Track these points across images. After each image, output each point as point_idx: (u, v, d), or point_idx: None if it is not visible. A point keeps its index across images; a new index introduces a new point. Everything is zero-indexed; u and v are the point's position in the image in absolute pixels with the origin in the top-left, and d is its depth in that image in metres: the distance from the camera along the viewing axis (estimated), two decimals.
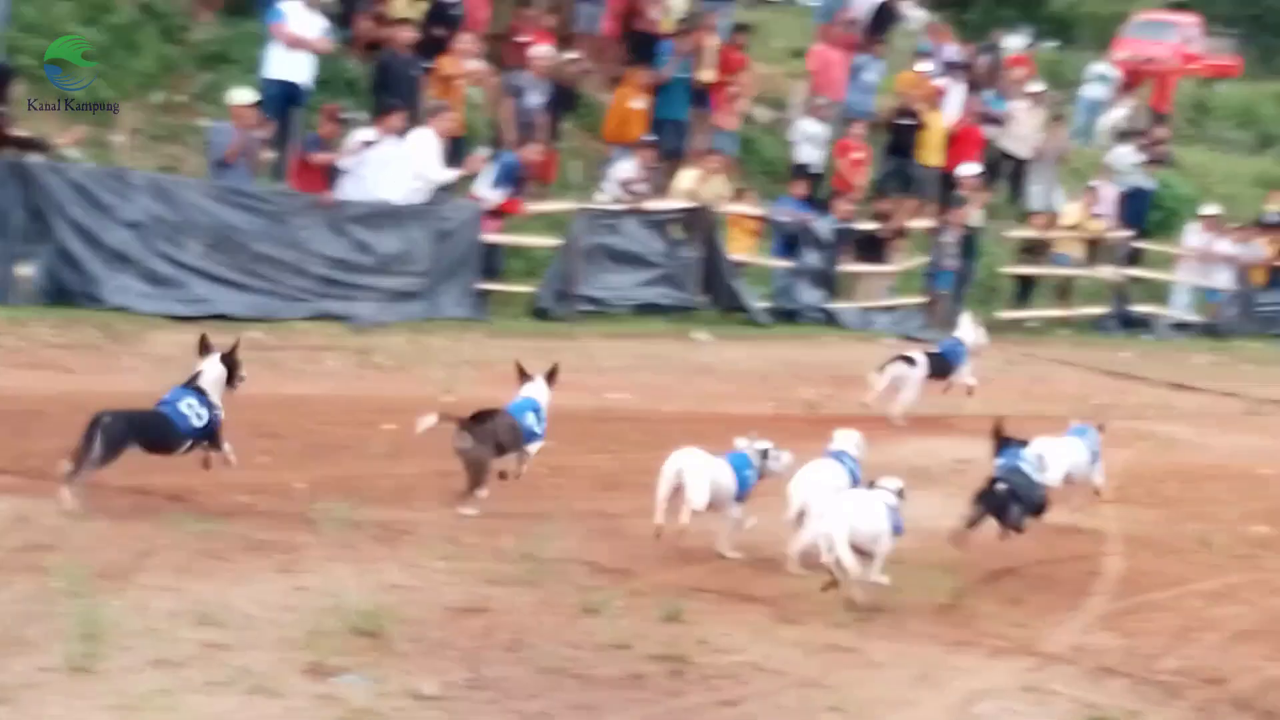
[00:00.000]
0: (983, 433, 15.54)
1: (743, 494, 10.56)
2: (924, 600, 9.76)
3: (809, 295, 22.74)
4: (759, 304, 22.21)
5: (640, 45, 23.96)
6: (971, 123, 26.32)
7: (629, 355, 18.94)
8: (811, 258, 22.78)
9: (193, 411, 10.45)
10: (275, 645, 7.93)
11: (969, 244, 23.99)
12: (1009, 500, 10.70)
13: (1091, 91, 32.34)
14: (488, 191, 20.14)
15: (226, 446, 10.69)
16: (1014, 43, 34.04)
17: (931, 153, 25.61)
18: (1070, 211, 26.42)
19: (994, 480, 10.87)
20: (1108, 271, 26.38)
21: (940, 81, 26.28)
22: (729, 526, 10.62)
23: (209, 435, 10.58)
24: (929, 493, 12.79)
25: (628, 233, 21.35)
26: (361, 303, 18.90)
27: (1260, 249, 27.64)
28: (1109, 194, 26.98)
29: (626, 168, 21.81)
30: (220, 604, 8.42)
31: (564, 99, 22.98)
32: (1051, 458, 11.76)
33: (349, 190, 19.14)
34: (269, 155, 19.19)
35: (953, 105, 26.32)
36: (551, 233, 21.22)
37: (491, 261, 20.37)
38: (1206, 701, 8.46)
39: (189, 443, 10.51)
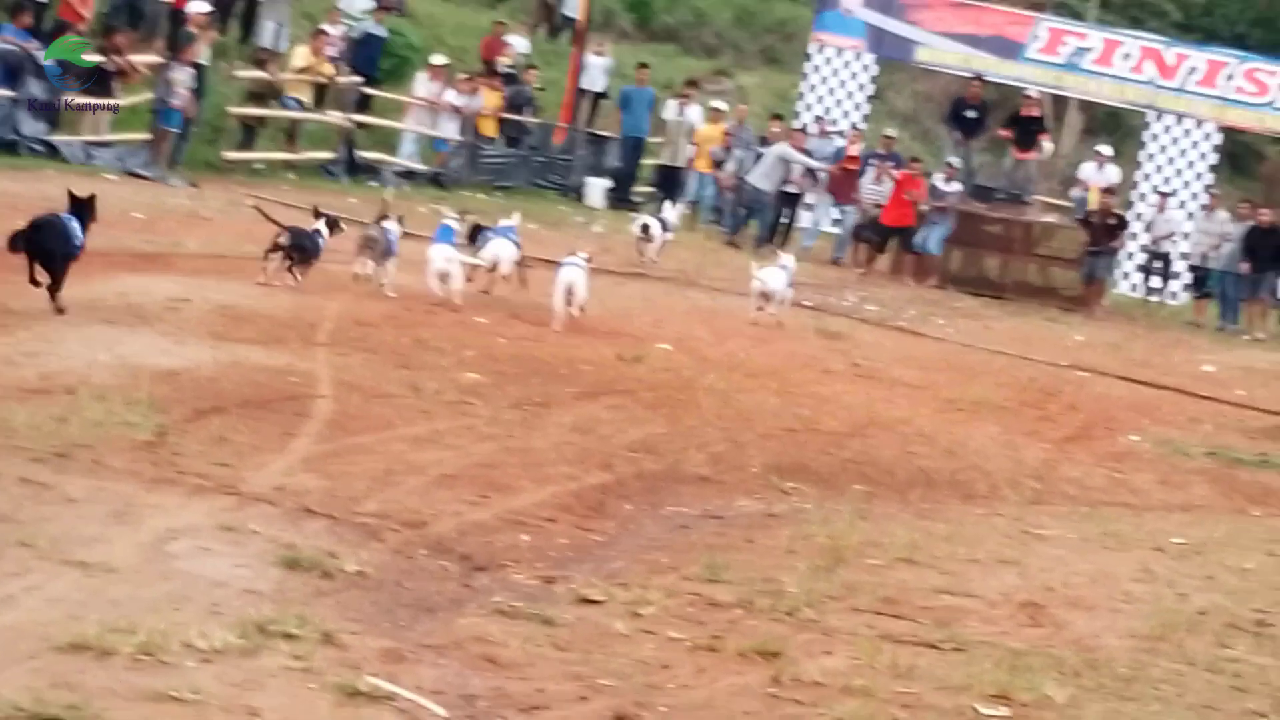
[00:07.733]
0: (200, 272, 15.52)
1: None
2: (127, 436, 9.57)
3: (30, 126, 21.96)
4: None
5: None
6: None
7: None
8: (34, 88, 21.94)
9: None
10: None
11: (198, 82, 23.56)
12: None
13: None
14: None
15: None
16: None
17: None
18: (300, 55, 26.35)
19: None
20: (336, 117, 26.51)
21: None
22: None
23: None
24: (141, 330, 12.64)
25: None
26: None
27: (484, 100, 28.37)
28: (339, 39, 27.04)
29: None
30: None
31: None
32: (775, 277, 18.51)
33: None
34: None
35: None
36: None
37: None
38: (404, 544, 8.62)
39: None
